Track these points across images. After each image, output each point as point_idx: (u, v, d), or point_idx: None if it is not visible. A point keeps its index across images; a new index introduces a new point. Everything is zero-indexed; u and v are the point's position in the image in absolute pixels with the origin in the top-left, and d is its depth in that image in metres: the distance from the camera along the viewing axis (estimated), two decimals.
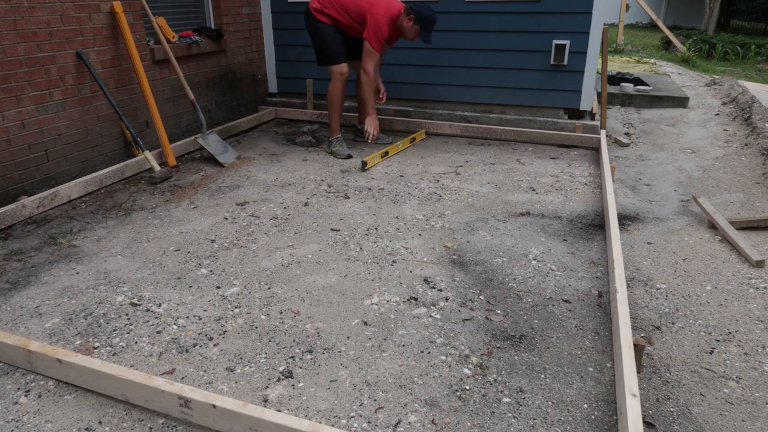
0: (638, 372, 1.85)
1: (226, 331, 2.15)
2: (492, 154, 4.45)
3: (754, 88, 6.43)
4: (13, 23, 3.14)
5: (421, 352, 2.03)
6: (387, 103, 5.40)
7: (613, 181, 3.67)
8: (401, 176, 3.90)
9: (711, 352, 2.06)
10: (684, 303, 2.38)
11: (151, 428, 1.68)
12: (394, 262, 2.69)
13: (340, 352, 2.04)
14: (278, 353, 2.03)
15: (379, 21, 3.95)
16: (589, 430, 1.68)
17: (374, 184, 3.74)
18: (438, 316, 2.25)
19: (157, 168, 3.80)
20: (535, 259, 2.73)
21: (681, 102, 6.10)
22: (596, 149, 4.53)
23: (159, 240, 2.93)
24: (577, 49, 4.61)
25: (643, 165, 4.25)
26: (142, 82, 3.86)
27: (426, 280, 2.52)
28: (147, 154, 3.80)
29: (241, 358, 2.00)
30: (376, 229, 3.06)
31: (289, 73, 5.70)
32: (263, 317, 2.25)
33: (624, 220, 3.21)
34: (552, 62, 4.69)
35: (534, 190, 3.66)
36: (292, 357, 2.00)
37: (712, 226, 3.07)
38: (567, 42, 4.59)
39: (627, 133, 5.15)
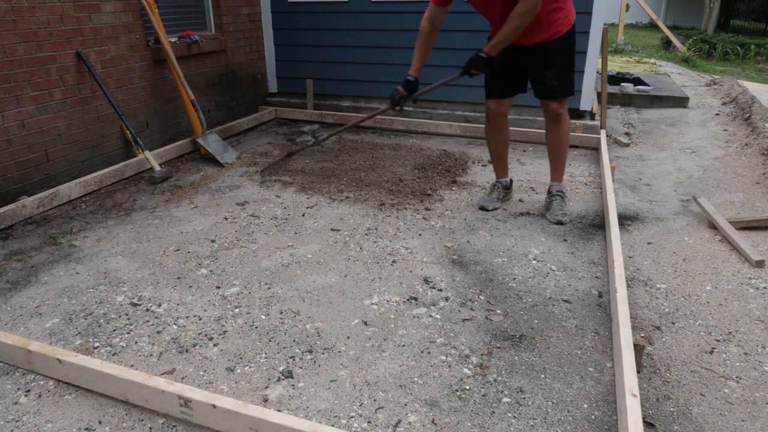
0: (638, 372, 1.85)
1: (226, 331, 2.15)
2: None
3: (754, 88, 6.43)
4: (13, 23, 3.14)
5: (421, 352, 2.03)
6: (387, 102, 5.39)
7: (613, 181, 3.66)
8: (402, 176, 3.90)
9: (711, 352, 2.06)
10: (684, 303, 2.38)
11: (151, 428, 1.68)
12: (394, 262, 2.69)
13: (340, 352, 2.04)
14: (278, 353, 2.03)
15: None
16: (589, 430, 1.68)
17: None
18: (438, 316, 2.25)
19: (157, 168, 3.80)
20: (535, 259, 2.73)
21: (681, 102, 6.10)
22: (596, 149, 4.53)
23: (159, 240, 2.93)
24: (577, 49, 4.59)
25: (643, 165, 4.25)
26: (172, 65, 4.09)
27: (426, 280, 2.52)
28: (147, 154, 3.80)
29: (241, 358, 2.00)
30: (376, 228, 3.06)
31: (289, 73, 5.70)
32: (263, 317, 2.25)
33: (624, 220, 3.20)
34: None
35: (534, 190, 3.66)
36: (292, 357, 2.00)
37: (712, 226, 3.07)
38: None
39: (627, 133, 5.15)
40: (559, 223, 3.12)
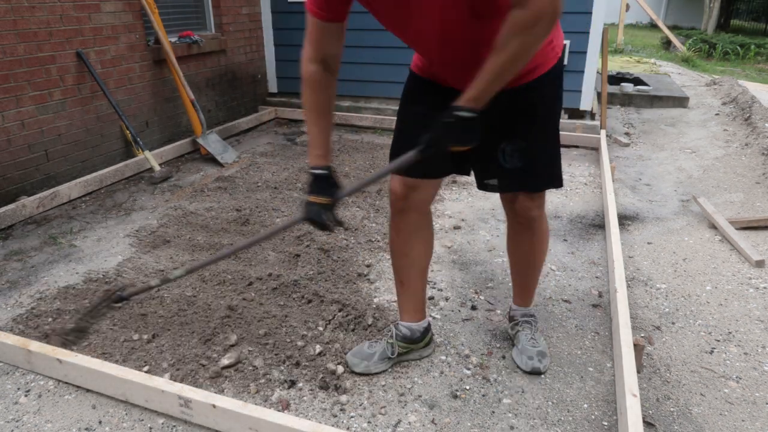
0: (638, 372, 1.85)
1: None
2: None
3: (754, 88, 6.43)
4: (13, 23, 3.13)
5: None
6: (387, 103, 5.40)
7: (613, 181, 3.66)
8: None
9: (711, 352, 2.06)
10: (684, 303, 2.38)
11: (151, 428, 1.68)
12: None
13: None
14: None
15: None
16: (589, 430, 1.68)
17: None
18: (438, 316, 2.25)
19: (157, 168, 3.80)
20: None
21: (681, 102, 6.10)
22: (596, 149, 4.53)
23: None
24: (577, 49, 4.60)
25: (643, 165, 4.25)
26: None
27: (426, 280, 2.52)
28: (147, 154, 3.80)
29: None
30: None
31: (289, 73, 5.70)
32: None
33: (624, 220, 3.20)
34: None
35: None
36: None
37: (712, 226, 3.07)
38: (567, 42, 4.59)
39: (627, 133, 5.15)
40: (536, 371, 1.89)
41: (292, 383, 1.83)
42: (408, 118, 1.70)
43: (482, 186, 1.76)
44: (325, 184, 1.58)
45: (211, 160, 4.23)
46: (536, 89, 1.60)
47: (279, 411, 1.64)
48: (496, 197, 3.42)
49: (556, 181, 1.73)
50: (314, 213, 1.55)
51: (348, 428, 1.67)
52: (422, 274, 1.91)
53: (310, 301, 2.26)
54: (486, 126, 1.41)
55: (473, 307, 2.31)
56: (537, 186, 1.72)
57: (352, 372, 1.88)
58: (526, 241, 1.87)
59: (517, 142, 1.63)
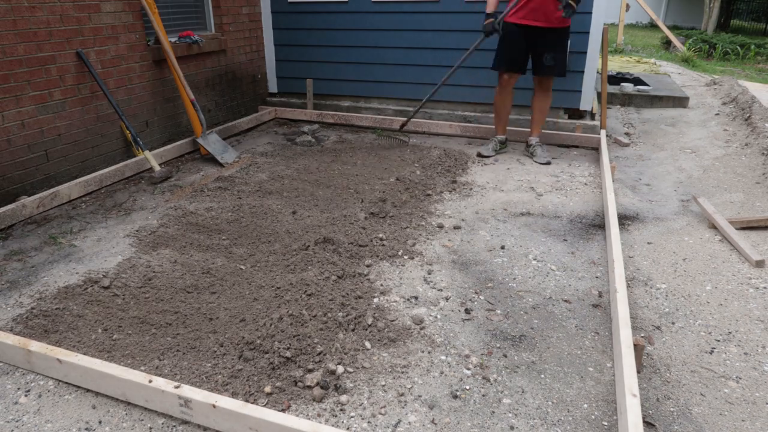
0: (638, 372, 1.85)
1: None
2: None
3: (754, 88, 6.42)
4: (13, 23, 3.14)
5: (421, 351, 2.03)
6: (387, 102, 5.40)
7: (613, 181, 3.66)
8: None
9: (711, 352, 2.06)
10: (684, 303, 2.38)
11: (151, 428, 1.68)
12: (394, 262, 2.69)
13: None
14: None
15: None
16: (589, 430, 1.68)
17: None
18: (438, 316, 2.25)
19: (157, 168, 3.80)
20: (535, 259, 2.73)
21: (681, 102, 6.10)
22: (596, 149, 4.53)
23: None
24: (577, 49, 4.60)
25: (643, 165, 4.25)
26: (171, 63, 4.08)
27: (426, 280, 2.52)
28: (147, 154, 3.80)
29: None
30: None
31: (289, 73, 5.70)
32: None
33: (624, 220, 3.21)
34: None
35: (534, 189, 3.66)
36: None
37: (712, 226, 3.07)
38: (567, 42, 4.59)
39: (627, 133, 5.15)
40: (548, 163, 4.13)
41: (293, 383, 1.83)
42: (507, 42, 4.01)
43: (536, 72, 4.10)
44: (493, 16, 3.89)
45: (211, 160, 4.23)
46: (564, 31, 3.92)
47: (279, 411, 1.64)
48: (495, 197, 3.44)
49: (564, 73, 4.09)
50: (487, 25, 3.92)
51: (348, 428, 1.67)
52: (509, 112, 4.38)
53: (310, 296, 2.26)
54: (543, 45, 3.91)
55: (473, 307, 2.31)
56: (559, 73, 4.04)
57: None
58: (543, 99, 4.21)
59: (551, 52, 3.91)
